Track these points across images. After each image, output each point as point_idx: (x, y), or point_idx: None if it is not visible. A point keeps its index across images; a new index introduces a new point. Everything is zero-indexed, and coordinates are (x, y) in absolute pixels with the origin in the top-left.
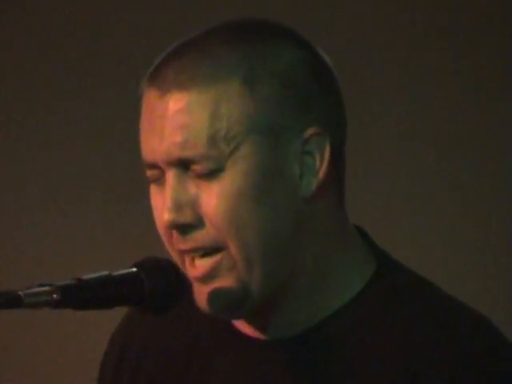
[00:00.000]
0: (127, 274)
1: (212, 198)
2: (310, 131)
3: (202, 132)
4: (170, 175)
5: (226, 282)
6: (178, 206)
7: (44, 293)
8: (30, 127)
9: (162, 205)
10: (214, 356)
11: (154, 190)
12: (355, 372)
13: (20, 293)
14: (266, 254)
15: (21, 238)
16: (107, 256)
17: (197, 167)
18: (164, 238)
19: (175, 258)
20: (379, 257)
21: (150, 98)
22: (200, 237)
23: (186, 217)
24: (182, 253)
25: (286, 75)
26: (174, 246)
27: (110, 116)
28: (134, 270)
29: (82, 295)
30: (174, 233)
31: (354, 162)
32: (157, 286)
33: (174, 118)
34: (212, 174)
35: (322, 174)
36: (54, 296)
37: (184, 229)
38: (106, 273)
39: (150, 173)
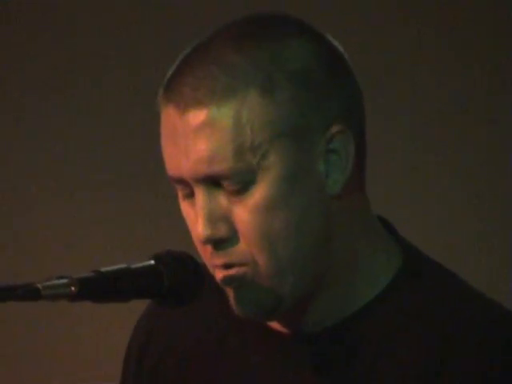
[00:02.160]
0: (146, 266)
1: (244, 213)
2: (334, 129)
3: (227, 146)
4: (200, 192)
5: (255, 291)
6: (211, 222)
7: (62, 285)
8: (31, 116)
9: (195, 219)
10: (244, 350)
11: (184, 204)
12: (382, 368)
13: (38, 285)
14: (298, 262)
15: (32, 232)
16: (121, 250)
17: (226, 183)
18: (200, 251)
19: (210, 269)
20: (405, 249)
21: (170, 116)
22: (232, 252)
23: (221, 231)
24: (215, 267)
25: (303, 75)
26: (208, 260)
27: (115, 105)
28: (153, 262)
29: (100, 288)
30: (208, 247)
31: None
32: (176, 279)
33: (196, 135)
34: (242, 188)
35: (348, 170)
36: (72, 288)
37: (219, 243)
38: (124, 265)
39: (178, 188)
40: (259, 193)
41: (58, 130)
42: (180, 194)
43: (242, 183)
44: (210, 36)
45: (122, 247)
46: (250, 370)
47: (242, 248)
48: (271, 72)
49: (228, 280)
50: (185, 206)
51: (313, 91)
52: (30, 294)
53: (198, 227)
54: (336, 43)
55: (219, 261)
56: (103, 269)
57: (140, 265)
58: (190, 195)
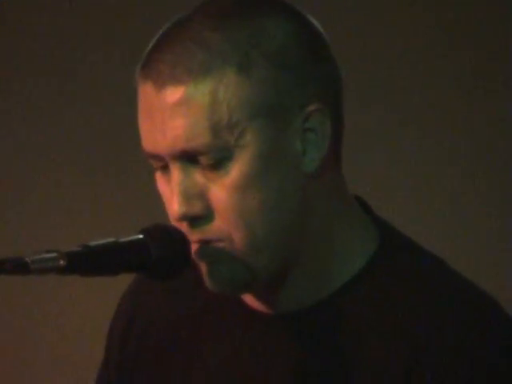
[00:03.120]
0: (134, 240)
1: (221, 191)
2: (311, 108)
3: (204, 123)
4: (176, 168)
5: (230, 266)
6: (187, 199)
7: (51, 259)
8: (17, 99)
9: (170, 195)
10: (221, 328)
11: (160, 178)
12: (355, 348)
13: (27, 259)
14: (273, 240)
15: (23, 207)
16: (111, 223)
17: (203, 158)
18: (175, 225)
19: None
20: (382, 230)
21: (147, 92)
22: (208, 228)
23: (196, 208)
24: (191, 242)
25: (280, 54)
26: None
27: (103, 87)
28: (141, 236)
29: (88, 261)
30: (184, 224)
31: (353, 147)
32: (163, 251)
33: (173, 112)
34: (219, 164)
35: (324, 148)
36: (61, 262)
37: (194, 220)
38: (112, 239)
39: (153, 162)
40: (235, 171)
41: (47, 114)
42: (156, 171)
43: (218, 159)
44: (189, 14)
45: (112, 225)
46: (227, 347)
47: (218, 224)
48: (248, 51)
49: (203, 254)
50: (160, 183)
51: (290, 70)
52: (19, 267)
53: (173, 204)
54: (316, 23)
55: (195, 237)
56: (91, 243)
57: (128, 239)
58: (165, 169)
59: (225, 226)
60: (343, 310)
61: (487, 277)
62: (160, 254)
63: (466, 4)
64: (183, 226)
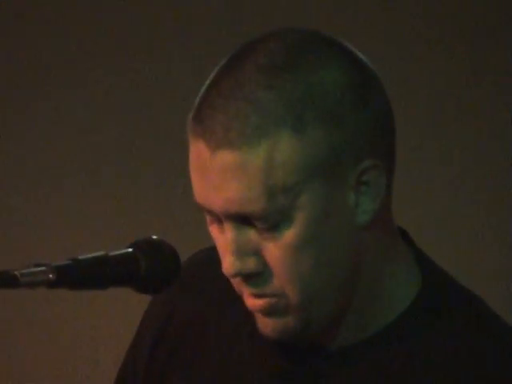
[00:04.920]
0: (123, 254)
1: (275, 250)
2: (365, 163)
3: (259, 187)
4: (230, 226)
5: (284, 318)
6: (240, 256)
7: (40, 272)
8: (27, 102)
9: (225, 247)
10: (258, 354)
11: (213, 228)
12: None
13: (16, 272)
14: (327, 293)
15: (16, 218)
16: (103, 237)
17: (258, 222)
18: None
19: (237, 291)
20: (425, 270)
21: (199, 150)
22: (262, 284)
23: (250, 265)
24: (244, 293)
25: (334, 112)
26: (236, 285)
27: (109, 86)
28: (130, 250)
29: (78, 275)
30: (237, 278)
31: None
32: (153, 267)
33: (227, 176)
34: (274, 227)
35: (378, 200)
36: (50, 276)
37: (248, 277)
38: (102, 253)
39: (206, 213)
40: (291, 232)
41: (47, 118)
42: (208, 219)
43: (273, 223)
44: (240, 57)
45: (102, 239)
46: (265, 372)
47: (272, 280)
48: (302, 111)
49: (257, 307)
50: (214, 230)
51: (344, 127)
52: (8, 281)
53: (227, 261)
54: (368, 62)
55: (249, 291)
56: (81, 256)
57: (117, 252)
58: (219, 221)
59: (279, 283)
60: (375, 355)
61: (487, 277)
62: (149, 268)
63: (466, 4)
64: (236, 280)
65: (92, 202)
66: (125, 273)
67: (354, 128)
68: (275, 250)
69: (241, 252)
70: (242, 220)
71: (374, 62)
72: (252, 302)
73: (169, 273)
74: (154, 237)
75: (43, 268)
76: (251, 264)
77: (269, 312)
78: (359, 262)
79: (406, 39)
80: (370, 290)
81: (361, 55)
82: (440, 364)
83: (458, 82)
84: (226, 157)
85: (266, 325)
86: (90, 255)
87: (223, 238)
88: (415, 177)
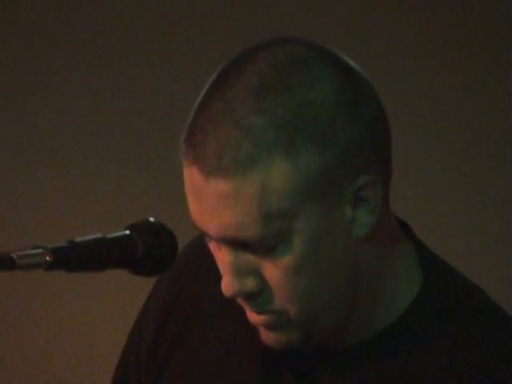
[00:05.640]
0: (120, 236)
1: (274, 271)
2: (362, 179)
3: (254, 214)
4: (227, 250)
5: (287, 332)
6: (239, 277)
7: (37, 255)
8: (30, 84)
9: (223, 267)
10: (256, 347)
11: (212, 245)
12: None
13: (13, 255)
14: (328, 307)
15: (8, 202)
16: (101, 220)
17: (255, 246)
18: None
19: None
20: (426, 265)
21: (193, 175)
22: (262, 302)
23: (249, 286)
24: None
25: (326, 132)
26: (238, 301)
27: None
28: (128, 232)
29: (74, 257)
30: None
31: None
32: (149, 248)
33: (221, 203)
34: (271, 250)
35: (376, 214)
36: (47, 258)
37: (247, 296)
38: (99, 235)
39: (204, 234)
40: (289, 255)
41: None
42: (206, 237)
43: (270, 247)
44: (229, 77)
45: (101, 221)
46: (259, 365)
47: (273, 298)
48: (293, 135)
49: (259, 322)
50: (212, 247)
51: (337, 147)
52: (5, 263)
53: (226, 281)
54: (358, 70)
55: (250, 308)
56: (78, 238)
57: (114, 234)
58: (217, 241)
59: (280, 301)
60: (388, 349)
61: (487, 274)
62: (146, 250)
63: (466, 4)
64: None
65: (90, 184)
66: (122, 255)
67: (348, 146)
68: (274, 270)
69: (239, 273)
70: (240, 244)
71: (377, 62)
72: (254, 318)
73: (166, 255)
74: (152, 219)
75: (40, 250)
76: (250, 284)
77: (271, 327)
78: (359, 272)
79: (406, 37)
80: (371, 293)
81: (351, 63)
82: (442, 363)
83: (457, 80)
84: (219, 185)
85: (269, 338)
86: (87, 237)
87: (221, 256)
88: (415, 176)
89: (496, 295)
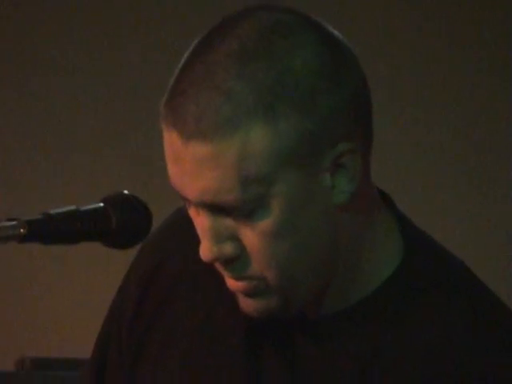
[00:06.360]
0: (94, 209)
1: (252, 236)
2: (340, 147)
3: (233, 177)
4: (205, 215)
5: (266, 299)
6: (217, 242)
7: (11, 227)
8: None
9: (202, 232)
10: (235, 319)
11: (191, 211)
12: (372, 357)
13: None
14: (307, 275)
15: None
16: (78, 192)
17: (233, 211)
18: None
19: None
20: (407, 237)
21: (172, 140)
22: (241, 267)
23: (227, 250)
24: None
25: (307, 99)
26: (217, 267)
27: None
28: (102, 205)
29: (48, 230)
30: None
31: None
32: (123, 221)
33: (201, 167)
34: (249, 214)
35: (355, 182)
36: (21, 230)
37: (226, 262)
38: (73, 208)
39: (182, 199)
40: (267, 220)
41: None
42: (186, 203)
43: (248, 211)
44: (213, 40)
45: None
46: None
47: (251, 264)
48: (273, 101)
49: (237, 288)
50: (191, 212)
51: (317, 114)
52: None
53: (204, 247)
54: (342, 40)
55: (229, 274)
56: (52, 211)
57: (88, 207)
58: (196, 205)
59: (258, 267)
60: (368, 318)
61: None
62: (120, 223)
63: (467, 3)
64: (216, 264)
65: (66, 159)
66: (96, 227)
67: (328, 114)
68: (252, 236)
69: (217, 238)
70: (218, 209)
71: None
72: (233, 284)
73: (140, 228)
74: (126, 192)
75: (14, 222)
76: (228, 249)
77: (250, 293)
78: (338, 240)
79: (406, 36)
80: (351, 262)
81: (335, 33)
82: (423, 333)
83: (461, 78)
84: (198, 148)
85: (248, 305)
86: (61, 210)
87: (200, 221)
88: (415, 175)
89: (499, 294)
